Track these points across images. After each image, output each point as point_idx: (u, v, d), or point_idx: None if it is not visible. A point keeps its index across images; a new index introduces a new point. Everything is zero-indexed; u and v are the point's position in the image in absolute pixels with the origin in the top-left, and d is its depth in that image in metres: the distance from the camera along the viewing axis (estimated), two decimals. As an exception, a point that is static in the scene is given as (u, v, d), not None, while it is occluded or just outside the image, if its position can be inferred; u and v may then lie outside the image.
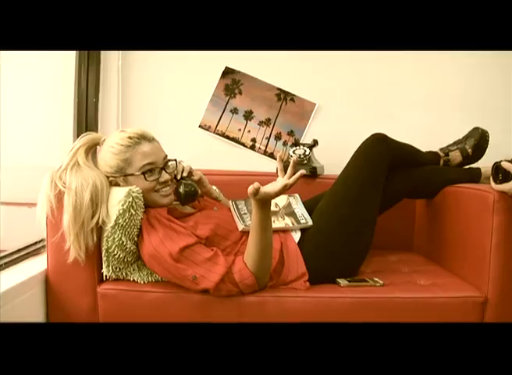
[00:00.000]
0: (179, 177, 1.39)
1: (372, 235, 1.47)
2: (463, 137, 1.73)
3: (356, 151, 1.52)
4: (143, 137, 1.31)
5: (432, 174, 1.64)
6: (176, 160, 1.39)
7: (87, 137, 1.36)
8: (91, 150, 1.38)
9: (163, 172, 1.33)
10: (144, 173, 1.29)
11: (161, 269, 1.26)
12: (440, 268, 1.57)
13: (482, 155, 1.70)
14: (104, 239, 1.26)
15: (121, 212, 1.24)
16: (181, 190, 1.35)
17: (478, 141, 1.68)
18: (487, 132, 1.70)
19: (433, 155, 1.70)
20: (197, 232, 1.31)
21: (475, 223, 1.39)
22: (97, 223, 1.25)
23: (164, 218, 1.29)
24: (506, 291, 1.32)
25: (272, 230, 1.28)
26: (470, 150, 1.68)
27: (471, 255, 1.41)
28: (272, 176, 1.88)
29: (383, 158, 1.49)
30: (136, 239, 1.29)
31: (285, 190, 1.21)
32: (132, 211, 1.25)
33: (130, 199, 1.25)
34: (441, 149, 1.73)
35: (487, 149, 1.69)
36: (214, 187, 1.55)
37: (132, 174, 1.30)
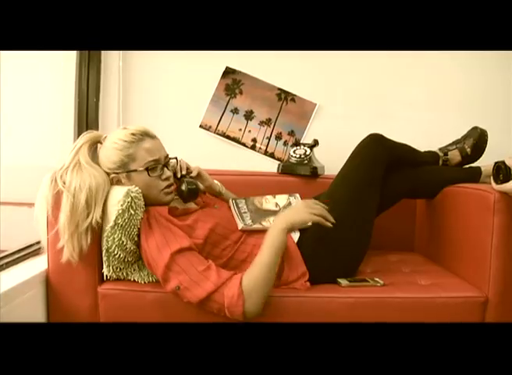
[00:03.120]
0: (179, 176, 1.41)
1: (370, 234, 1.47)
2: (462, 137, 1.73)
3: (352, 152, 1.52)
4: (146, 134, 1.32)
5: (431, 174, 1.64)
6: (176, 158, 1.40)
7: (88, 135, 1.37)
8: (93, 147, 1.38)
9: (165, 169, 1.34)
10: (147, 169, 1.30)
11: (156, 274, 1.26)
12: (441, 268, 1.57)
13: (481, 155, 1.70)
14: (105, 239, 1.26)
15: (120, 212, 1.23)
16: (183, 187, 1.37)
17: (477, 140, 1.68)
18: (486, 131, 1.70)
19: (432, 154, 1.70)
20: (196, 231, 1.31)
21: (476, 223, 1.39)
22: (91, 223, 1.24)
23: (163, 218, 1.29)
24: (507, 291, 1.32)
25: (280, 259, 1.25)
26: (469, 149, 1.68)
27: (471, 255, 1.41)
28: (272, 176, 1.91)
29: (380, 158, 1.49)
30: (136, 239, 1.29)
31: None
32: (131, 211, 1.24)
33: (129, 199, 1.24)
34: (440, 149, 1.73)
35: (486, 149, 1.69)
36: (215, 181, 1.55)
37: (135, 170, 1.30)
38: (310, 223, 1.32)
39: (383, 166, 1.50)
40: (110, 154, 1.32)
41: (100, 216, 1.24)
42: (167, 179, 1.34)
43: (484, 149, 1.69)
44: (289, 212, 1.33)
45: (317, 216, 1.28)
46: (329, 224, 1.29)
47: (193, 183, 1.39)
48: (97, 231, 1.27)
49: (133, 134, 1.31)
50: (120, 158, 1.30)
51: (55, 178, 1.27)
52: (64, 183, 1.25)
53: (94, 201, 1.24)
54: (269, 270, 1.20)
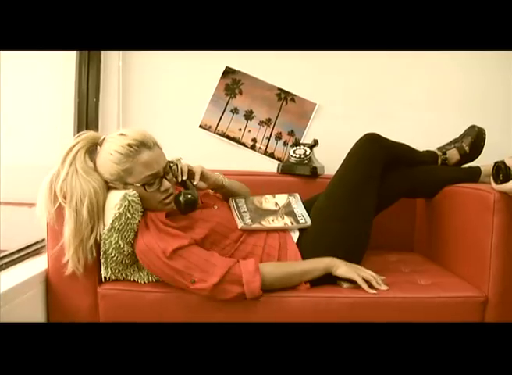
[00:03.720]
0: (179, 180, 1.35)
1: (369, 234, 1.47)
2: (460, 136, 1.73)
3: (349, 152, 1.52)
4: (143, 145, 1.25)
5: (429, 174, 1.63)
6: (176, 165, 1.35)
7: (85, 137, 1.30)
8: (90, 150, 1.32)
9: (164, 180, 1.29)
10: (143, 185, 1.26)
11: (154, 268, 1.26)
12: (440, 268, 1.57)
13: (480, 153, 1.70)
14: (102, 242, 1.25)
15: (117, 215, 1.22)
16: (181, 199, 1.30)
17: (475, 139, 1.68)
18: (483, 130, 1.70)
19: (430, 154, 1.70)
20: (196, 230, 1.31)
21: (476, 222, 1.39)
22: (96, 240, 1.24)
23: (161, 222, 1.27)
24: (507, 290, 1.32)
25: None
26: (467, 148, 1.68)
27: (471, 254, 1.41)
28: (272, 176, 1.91)
29: (376, 158, 1.49)
30: (133, 242, 1.28)
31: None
32: (128, 215, 1.23)
33: (126, 203, 1.23)
34: (438, 148, 1.73)
35: (486, 148, 1.69)
36: (217, 174, 1.50)
37: (132, 184, 1.27)
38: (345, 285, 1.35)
39: (380, 165, 1.49)
40: (106, 165, 1.27)
41: (103, 231, 1.24)
42: (166, 191, 1.30)
43: (482, 147, 1.69)
44: (345, 262, 1.33)
45: (362, 279, 1.30)
46: (371, 290, 1.29)
47: (192, 195, 1.32)
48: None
49: (129, 146, 1.24)
50: (117, 171, 1.25)
51: (54, 190, 1.24)
52: (64, 197, 1.23)
53: (97, 213, 1.24)
54: (288, 275, 1.30)
